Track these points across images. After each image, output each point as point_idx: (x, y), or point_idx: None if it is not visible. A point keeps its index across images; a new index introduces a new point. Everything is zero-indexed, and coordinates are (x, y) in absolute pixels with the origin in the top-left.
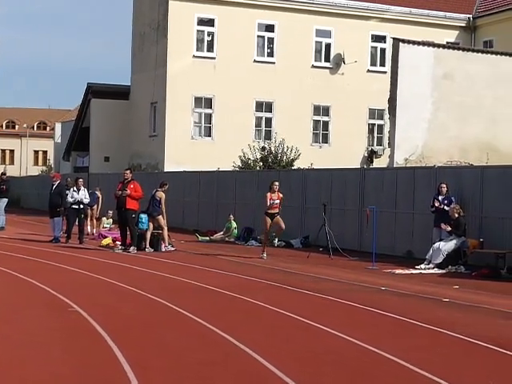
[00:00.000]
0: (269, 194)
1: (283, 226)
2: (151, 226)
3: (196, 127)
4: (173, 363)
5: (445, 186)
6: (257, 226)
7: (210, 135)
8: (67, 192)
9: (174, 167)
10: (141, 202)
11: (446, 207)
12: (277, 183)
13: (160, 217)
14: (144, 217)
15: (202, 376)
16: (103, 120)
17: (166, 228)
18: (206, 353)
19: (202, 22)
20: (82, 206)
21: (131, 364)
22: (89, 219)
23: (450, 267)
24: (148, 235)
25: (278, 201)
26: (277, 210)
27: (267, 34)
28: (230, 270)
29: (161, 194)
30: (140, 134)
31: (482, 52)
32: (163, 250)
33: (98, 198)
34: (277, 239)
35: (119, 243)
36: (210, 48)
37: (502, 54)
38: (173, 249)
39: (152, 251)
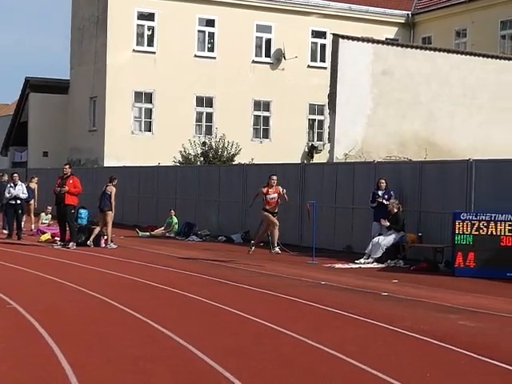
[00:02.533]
0: (265, 188)
1: (276, 222)
2: (104, 220)
3: (136, 122)
4: (112, 359)
5: (384, 181)
6: (197, 222)
7: (150, 130)
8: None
9: (114, 162)
10: (80, 197)
11: (385, 202)
12: (274, 177)
13: (110, 212)
14: (83, 212)
15: (140, 371)
16: (42, 114)
17: (111, 224)
18: (145, 348)
19: (142, 16)
20: (19, 202)
21: (70, 361)
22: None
23: (389, 261)
24: (97, 230)
25: (275, 195)
26: (276, 209)
27: (208, 29)
28: (170, 266)
29: (111, 189)
30: (79, 128)
31: (421, 48)
32: (102, 245)
33: (33, 190)
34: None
35: (58, 239)
36: (151, 42)
37: (439, 50)
38: (115, 246)
39: (93, 246)
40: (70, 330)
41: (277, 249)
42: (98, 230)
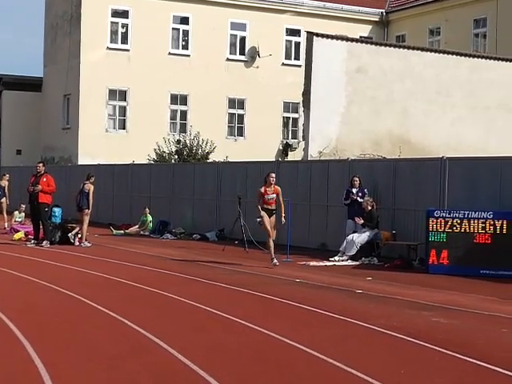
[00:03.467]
0: (263, 188)
1: (275, 232)
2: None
3: (110, 120)
4: (85, 357)
5: (357, 178)
6: (172, 220)
7: (124, 128)
8: None
9: (88, 160)
10: (54, 195)
11: (359, 199)
12: (273, 175)
13: (87, 210)
14: (57, 210)
15: (113, 369)
16: (15, 112)
17: (87, 223)
18: (118, 346)
19: (116, 13)
20: None
21: (43, 359)
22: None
23: (363, 259)
24: (78, 229)
25: (274, 195)
26: (274, 207)
27: (182, 27)
28: (144, 264)
29: (89, 186)
30: (53, 126)
31: (395, 46)
32: (76, 244)
33: (4, 187)
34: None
35: (32, 237)
36: (125, 40)
37: (413, 48)
38: (89, 245)
39: (78, 244)
40: (44, 329)
41: (275, 260)
42: (85, 227)
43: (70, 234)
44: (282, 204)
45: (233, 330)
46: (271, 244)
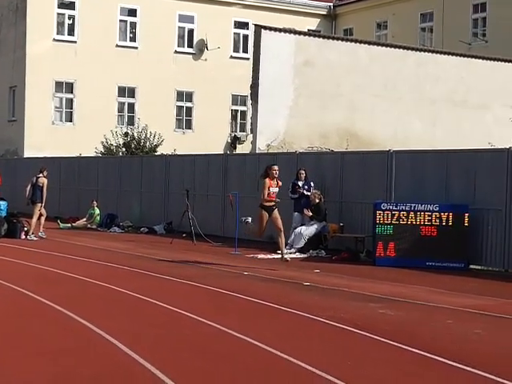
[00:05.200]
0: (267, 179)
1: (281, 225)
2: (43, 212)
3: (57, 112)
4: (31, 353)
5: (304, 171)
6: (120, 213)
7: (71, 120)
8: None
9: (34, 153)
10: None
11: (306, 192)
12: (276, 167)
13: (39, 204)
14: (2, 204)
15: (60, 364)
16: None
17: (37, 217)
18: (64, 340)
19: (62, 4)
20: None
21: None
22: None
23: (311, 251)
24: (33, 222)
25: (277, 189)
26: (273, 203)
27: (129, 19)
28: (91, 257)
29: (43, 180)
30: None
31: (342, 40)
32: (22, 237)
33: None
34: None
35: None
36: (71, 32)
37: (360, 42)
38: (36, 238)
39: (36, 239)
40: None
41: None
42: (34, 221)
43: (29, 237)
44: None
45: (180, 323)
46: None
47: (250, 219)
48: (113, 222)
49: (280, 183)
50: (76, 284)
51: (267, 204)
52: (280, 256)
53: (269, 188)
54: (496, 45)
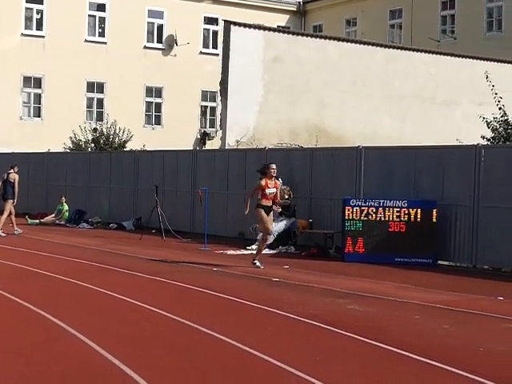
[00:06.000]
0: (264, 180)
1: (272, 227)
2: (12, 209)
3: (25, 107)
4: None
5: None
6: (88, 209)
7: (39, 116)
8: None
9: (3, 149)
10: None
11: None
12: (274, 166)
13: (11, 200)
14: None
15: (26, 359)
16: None
17: (7, 213)
18: (34, 337)
19: None
20: None
21: None
22: None
23: (280, 247)
24: (3, 218)
25: (275, 189)
26: (271, 203)
27: (98, 14)
28: (60, 253)
29: (14, 176)
30: None
31: (312, 36)
32: None
33: None
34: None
35: None
36: (40, 26)
37: (330, 38)
38: (4, 235)
39: (4, 236)
40: None
41: (258, 263)
42: (4, 217)
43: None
44: (277, 196)
45: (149, 318)
46: (263, 248)
47: (257, 225)
48: (81, 218)
49: (278, 183)
50: (44, 280)
51: (264, 204)
52: (249, 252)
53: (264, 189)
54: (464, 42)
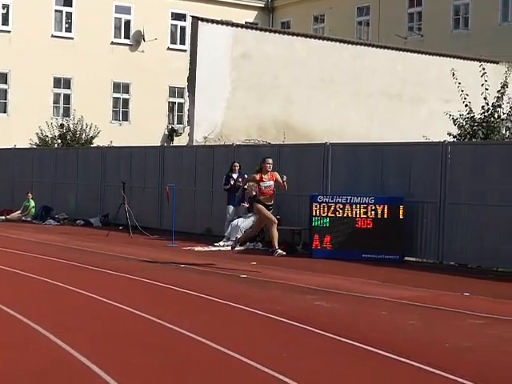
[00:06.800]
0: (258, 175)
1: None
2: None
3: None
4: None
5: (238, 164)
6: (55, 205)
7: (5, 111)
8: None
9: None
10: None
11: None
12: (270, 161)
13: None
14: None
15: None
16: None
17: None
18: (2, 336)
19: None
20: None
21: None
22: None
23: (248, 244)
24: None
25: (271, 182)
26: (271, 201)
27: (65, 9)
28: (26, 250)
29: None
30: None
31: (279, 33)
32: None
33: None
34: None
35: None
36: (5, 21)
37: (298, 35)
38: None
39: None
40: None
41: (279, 251)
42: None
43: None
44: (285, 186)
45: (118, 316)
46: (276, 233)
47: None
48: (48, 215)
49: (277, 177)
50: (11, 277)
51: (261, 198)
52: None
53: (259, 183)
54: (431, 39)
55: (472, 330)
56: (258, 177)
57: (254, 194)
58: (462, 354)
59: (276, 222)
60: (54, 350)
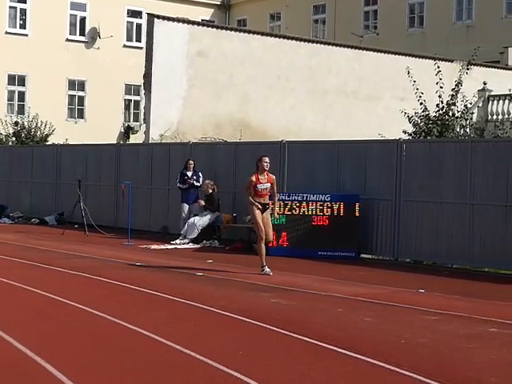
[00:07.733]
0: (254, 176)
1: (271, 232)
2: None
3: None
4: None
5: (192, 162)
6: (10, 203)
7: None
8: None
9: None
10: None
11: (195, 183)
12: (267, 159)
13: None
14: None
15: None
16: None
17: None
18: None
19: None
20: None
21: None
22: None
23: (204, 242)
24: None
25: (268, 184)
26: (267, 200)
27: (19, 5)
28: None
29: None
30: None
31: (236, 30)
32: None
33: None
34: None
35: None
36: None
37: (254, 32)
38: None
39: None
40: None
41: (267, 269)
42: None
43: None
44: (275, 195)
45: (73, 315)
46: (263, 248)
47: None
48: (2, 213)
49: (272, 177)
50: None
51: (258, 200)
52: (173, 246)
53: (256, 185)
54: (387, 37)
55: (427, 327)
56: (254, 178)
57: (252, 194)
58: (417, 350)
59: (263, 238)
60: (6, 350)
